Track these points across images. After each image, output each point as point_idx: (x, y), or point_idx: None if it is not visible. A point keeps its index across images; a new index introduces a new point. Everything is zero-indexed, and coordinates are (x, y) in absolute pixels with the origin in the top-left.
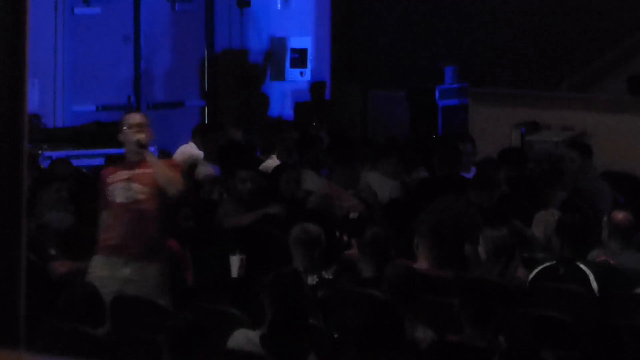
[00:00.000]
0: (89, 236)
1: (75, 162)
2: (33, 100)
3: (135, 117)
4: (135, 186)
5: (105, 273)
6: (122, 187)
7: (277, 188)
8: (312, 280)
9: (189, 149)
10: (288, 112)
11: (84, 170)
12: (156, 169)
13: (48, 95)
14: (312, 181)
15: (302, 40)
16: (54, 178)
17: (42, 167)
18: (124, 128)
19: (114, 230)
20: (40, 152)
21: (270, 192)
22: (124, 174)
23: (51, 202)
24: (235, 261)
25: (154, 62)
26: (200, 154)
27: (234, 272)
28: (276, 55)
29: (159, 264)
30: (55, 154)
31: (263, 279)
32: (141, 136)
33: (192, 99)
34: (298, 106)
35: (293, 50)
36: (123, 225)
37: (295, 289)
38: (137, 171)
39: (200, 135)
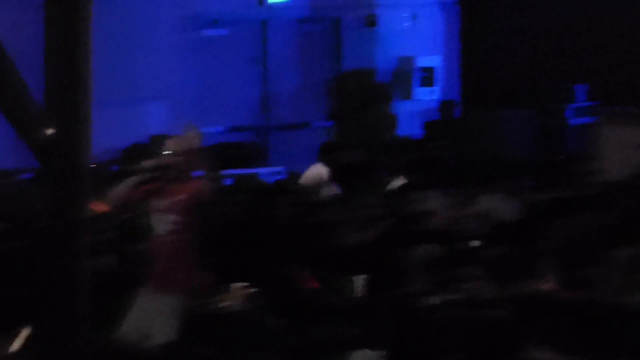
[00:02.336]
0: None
1: None
2: (161, 121)
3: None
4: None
5: None
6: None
7: (400, 207)
8: (434, 301)
9: (316, 170)
10: (416, 131)
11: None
12: None
13: (178, 116)
14: (436, 201)
15: (430, 59)
16: None
17: None
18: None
19: None
20: None
21: (393, 212)
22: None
23: None
24: (358, 281)
25: (281, 82)
26: (326, 173)
27: (357, 291)
28: (404, 75)
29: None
30: None
31: (385, 300)
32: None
33: (318, 119)
34: (426, 125)
35: (421, 69)
36: None
37: (417, 311)
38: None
39: (326, 156)
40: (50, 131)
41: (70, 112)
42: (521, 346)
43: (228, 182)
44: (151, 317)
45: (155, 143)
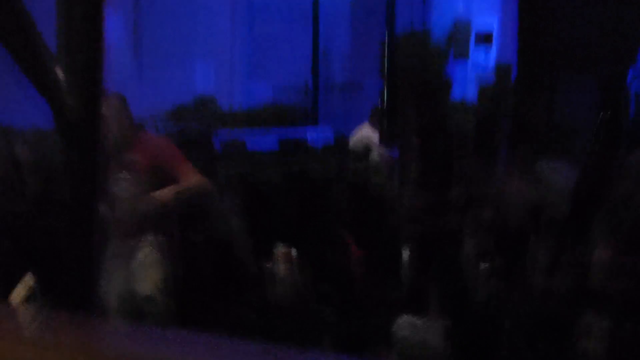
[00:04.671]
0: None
1: (249, 144)
2: (208, 80)
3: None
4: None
5: None
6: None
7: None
8: (483, 267)
9: (365, 132)
10: (472, 95)
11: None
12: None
13: (224, 75)
14: (493, 167)
15: (487, 22)
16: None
17: (215, 149)
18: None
19: None
20: (214, 131)
21: (443, 170)
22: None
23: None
24: (407, 252)
25: (332, 40)
26: (376, 136)
27: (405, 263)
28: (460, 36)
29: None
30: (230, 134)
31: (433, 264)
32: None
33: (371, 80)
34: (482, 89)
35: (477, 33)
36: None
37: (464, 275)
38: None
39: (376, 118)
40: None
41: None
42: (577, 317)
43: (274, 140)
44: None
45: (199, 105)
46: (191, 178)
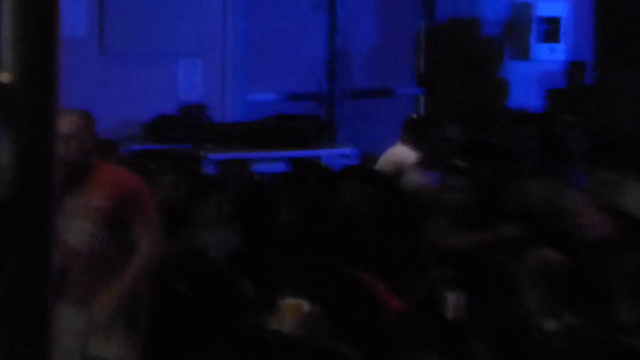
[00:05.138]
0: (263, 264)
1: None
2: (195, 86)
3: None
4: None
5: None
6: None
7: (503, 201)
8: (550, 325)
9: (398, 152)
10: (535, 102)
11: (257, 178)
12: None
13: (215, 80)
14: (550, 193)
15: (555, 6)
16: (215, 186)
17: (205, 173)
18: None
19: None
20: (203, 153)
21: (494, 205)
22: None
23: (210, 219)
24: (452, 298)
25: (354, 36)
26: (412, 157)
27: (451, 312)
28: (518, 27)
29: None
30: (224, 155)
31: (482, 323)
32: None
33: (404, 85)
34: (548, 94)
35: (542, 19)
36: None
37: (525, 337)
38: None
39: (412, 133)
40: (5, 77)
41: (33, 51)
42: None
43: (283, 167)
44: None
45: (184, 114)
46: (150, 243)
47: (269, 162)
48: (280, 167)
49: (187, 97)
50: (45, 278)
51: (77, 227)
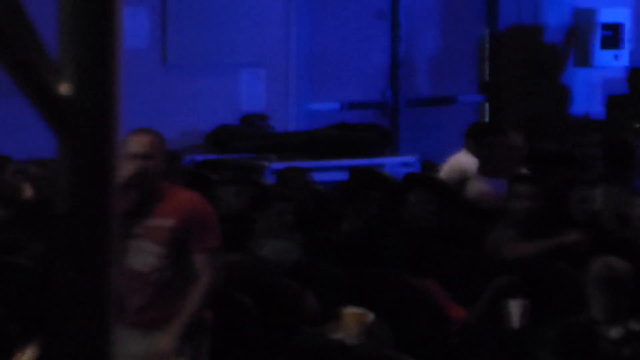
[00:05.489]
0: (325, 274)
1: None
2: (258, 96)
3: (135, 141)
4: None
5: None
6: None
7: (567, 209)
8: (616, 333)
9: (460, 160)
10: (597, 108)
11: (318, 187)
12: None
13: (278, 90)
14: (616, 201)
15: (616, 13)
16: (277, 196)
17: (266, 183)
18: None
19: None
20: (266, 163)
21: (558, 214)
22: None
23: (271, 229)
24: (516, 307)
25: (416, 45)
26: (474, 164)
27: (515, 321)
28: (581, 33)
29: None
30: (285, 165)
31: (547, 331)
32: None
33: (467, 92)
34: (611, 101)
35: (604, 26)
36: None
37: (591, 345)
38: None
39: (474, 141)
40: (65, 89)
41: (93, 62)
42: None
43: (346, 176)
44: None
45: (246, 124)
46: (213, 270)
47: (331, 171)
48: (343, 176)
49: (249, 107)
50: (103, 296)
51: (143, 248)
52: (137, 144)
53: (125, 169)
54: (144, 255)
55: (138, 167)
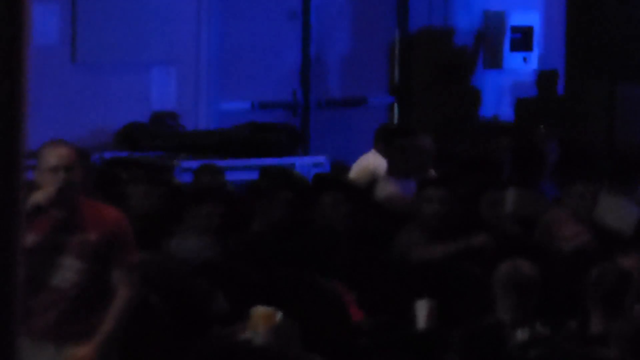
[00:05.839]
0: (235, 274)
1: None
2: (169, 94)
3: (55, 154)
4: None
5: None
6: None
7: (477, 212)
8: (522, 335)
9: (370, 160)
10: (506, 111)
11: (229, 187)
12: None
13: (188, 88)
14: (525, 204)
15: (526, 16)
16: (203, 195)
17: (176, 182)
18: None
19: None
20: (176, 162)
21: (467, 217)
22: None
23: (198, 229)
24: (422, 307)
25: (328, 46)
26: (384, 166)
27: (421, 322)
28: (491, 36)
29: None
30: (196, 163)
31: (454, 333)
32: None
33: (377, 94)
34: (520, 103)
35: (514, 28)
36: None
37: (497, 347)
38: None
39: (384, 142)
40: None
41: (0, 58)
42: None
43: (254, 175)
44: None
45: (156, 122)
46: (131, 287)
47: (242, 170)
48: (253, 175)
49: (160, 105)
50: (8, 312)
51: (64, 264)
52: (56, 156)
53: (49, 183)
54: (63, 270)
55: (62, 180)
